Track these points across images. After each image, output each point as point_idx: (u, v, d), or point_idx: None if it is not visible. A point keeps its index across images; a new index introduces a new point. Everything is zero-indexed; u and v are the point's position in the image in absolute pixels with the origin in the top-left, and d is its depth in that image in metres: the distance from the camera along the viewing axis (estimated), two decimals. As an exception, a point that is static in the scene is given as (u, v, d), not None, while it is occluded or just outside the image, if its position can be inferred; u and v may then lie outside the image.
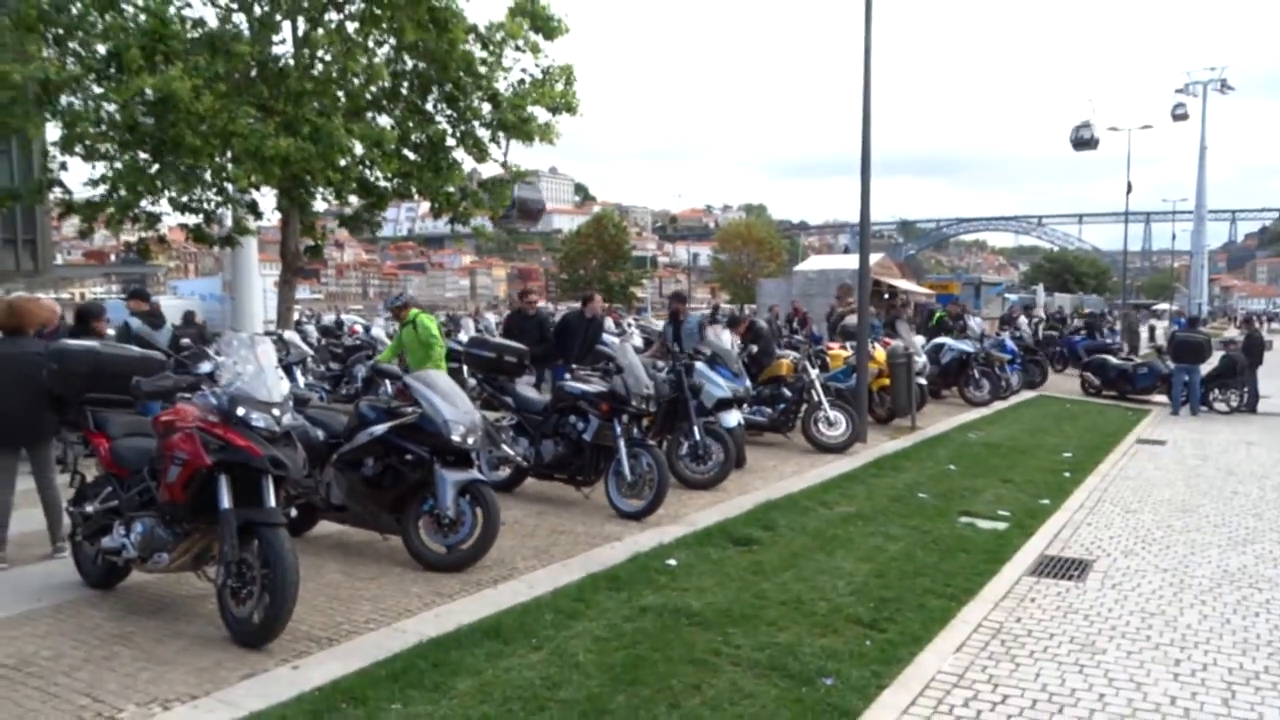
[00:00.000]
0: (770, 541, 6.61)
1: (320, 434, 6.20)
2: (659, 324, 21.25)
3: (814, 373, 11.00)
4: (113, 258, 62.03)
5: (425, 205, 17.85)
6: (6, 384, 5.71)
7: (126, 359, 5.80)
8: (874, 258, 19.85)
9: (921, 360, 13.19)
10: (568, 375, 8.45)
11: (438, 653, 4.42)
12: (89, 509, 5.25)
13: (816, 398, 10.74)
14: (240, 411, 4.66)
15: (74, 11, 13.62)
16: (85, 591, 5.31)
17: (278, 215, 17.48)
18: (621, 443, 7.26)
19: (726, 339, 10.25)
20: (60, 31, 13.61)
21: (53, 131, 14.70)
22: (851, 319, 14.10)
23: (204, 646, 4.51)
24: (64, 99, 13.48)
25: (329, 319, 25.15)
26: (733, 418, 9.12)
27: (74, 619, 4.88)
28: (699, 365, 9.29)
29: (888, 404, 12.73)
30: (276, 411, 4.77)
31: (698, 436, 8.43)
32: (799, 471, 9.38)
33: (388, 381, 8.78)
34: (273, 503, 4.68)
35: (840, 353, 13.22)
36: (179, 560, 4.81)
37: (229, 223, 16.69)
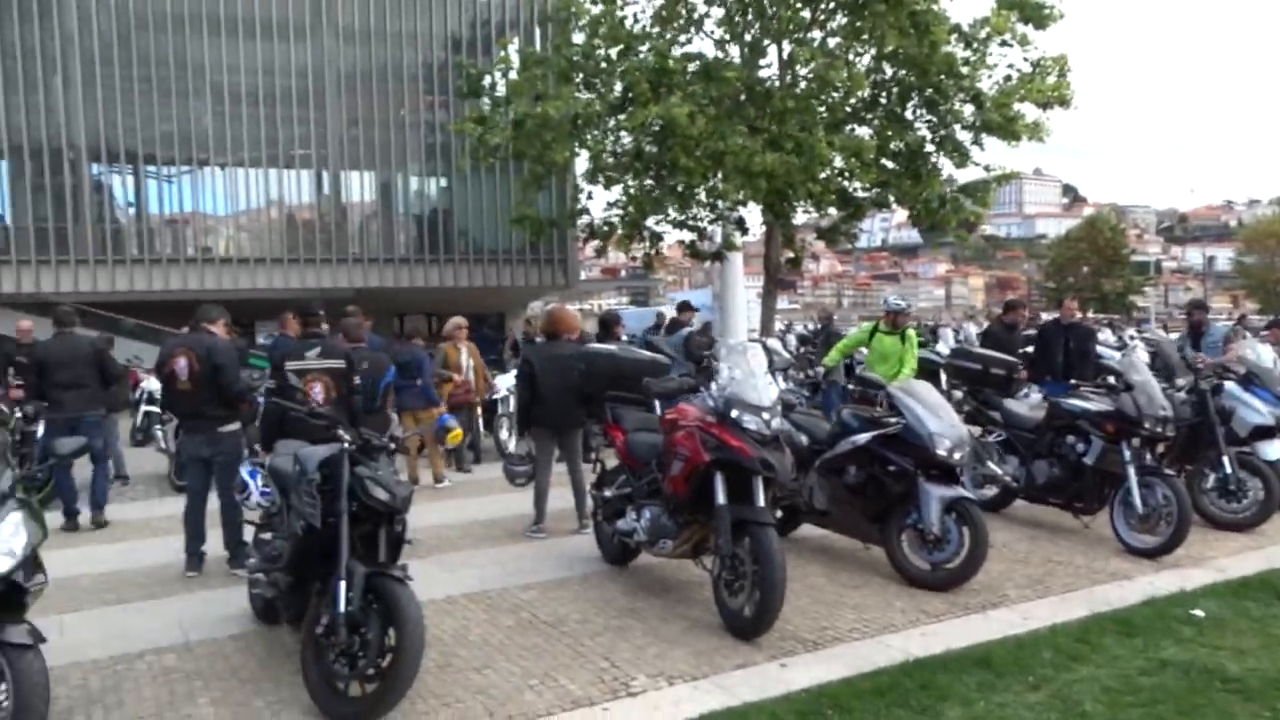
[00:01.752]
0: (1337, 604, 5.34)
1: (804, 439, 6.36)
2: (1163, 334, 18.52)
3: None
4: (622, 273, 70.73)
5: (900, 214, 17.67)
6: (549, 381, 6.72)
7: (639, 362, 6.51)
8: None
9: None
10: (1062, 391, 7.69)
11: (924, 674, 4.25)
12: (608, 494, 5.95)
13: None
14: (734, 413, 4.93)
15: (599, 56, 15.69)
16: (603, 566, 6.03)
17: (761, 230, 18.47)
18: (1131, 470, 6.39)
19: (1268, 355, 8.57)
20: (586, 76, 15.80)
21: (580, 165, 17.17)
22: None
23: (702, 631, 4.84)
24: (589, 134, 15.63)
25: (800, 328, 26.02)
26: (1275, 449, 7.60)
27: (596, 589, 5.57)
28: (1229, 385, 7.88)
29: None
30: (766, 415, 4.97)
31: (1228, 469, 7.14)
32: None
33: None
34: (762, 502, 4.88)
35: None
36: (680, 548, 5.24)
37: (719, 239, 17.98)
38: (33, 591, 3.31)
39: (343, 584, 3.70)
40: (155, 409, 11.17)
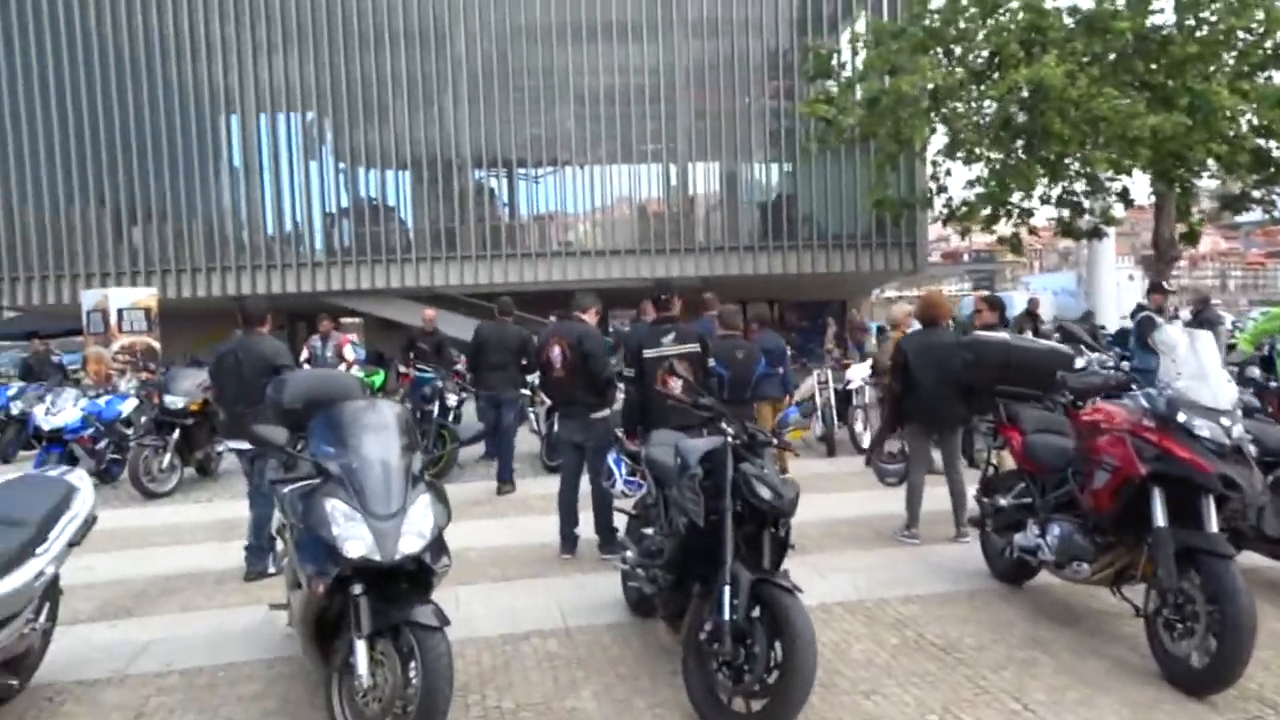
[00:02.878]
0: None
1: (1253, 449, 5.17)
2: None
3: None
4: (965, 257, 66.50)
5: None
6: (925, 372, 6.10)
7: (1036, 351, 5.68)
8: None
9: None
10: None
11: None
12: (1001, 502, 5.23)
13: None
14: (1181, 418, 4.03)
15: (960, 25, 14.48)
16: (993, 583, 5.33)
17: (1145, 203, 16.16)
18: None
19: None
20: (945, 45, 14.64)
21: (936, 141, 16.02)
22: None
23: (1130, 676, 4.03)
24: (948, 107, 14.50)
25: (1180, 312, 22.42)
26: None
27: (989, 610, 4.90)
28: None
29: None
30: (1225, 421, 4.02)
31: None
32: None
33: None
34: (1214, 527, 3.96)
35: None
36: (1100, 573, 4.42)
37: (1095, 214, 16.00)
38: (439, 573, 3.40)
39: (727, 589, 3.44)
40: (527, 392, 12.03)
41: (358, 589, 3.26)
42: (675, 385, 5.44)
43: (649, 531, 4.28)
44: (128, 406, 9.83)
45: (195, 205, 23.02)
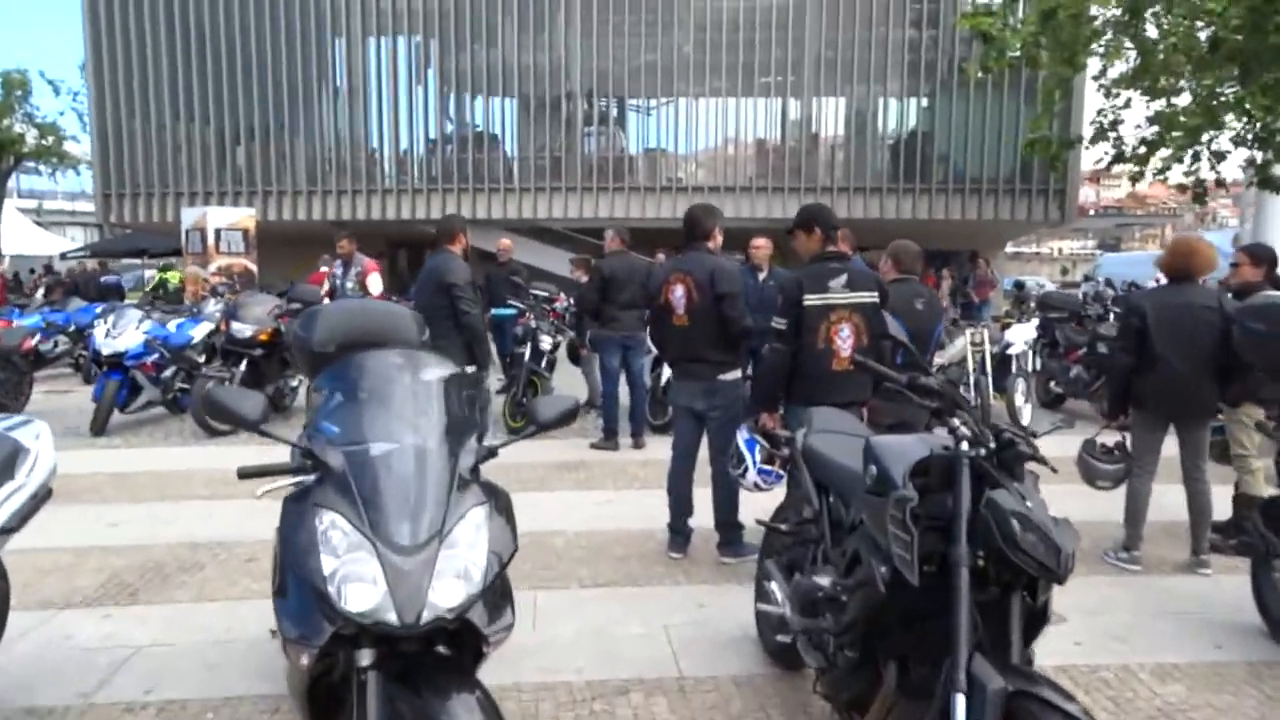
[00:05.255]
0: None
1: None
2: None
3: None
4: (1090, 212, 61.70)
5: None
6: (1170, 343, 4.52)
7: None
8: None
9: None
10: None
11: None
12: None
13: None
14: None
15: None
16: (1275, 646, 3.80)
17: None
18: None
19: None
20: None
21: (1113, 71, 13.78)
22: None
23: None
24: (1138, 26, 12.30)
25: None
26: None
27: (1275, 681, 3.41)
28: None
29: None
30: None
31: None
32: None
33: None
34: None
35: None
36: None
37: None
38: (493, 641, 2.12)
39: (962, 702, 2.07)
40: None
41: (365, 658, 2.03)
42: (844, 344, 4.02)
43: (820, 582, 2.85)
44: (200, 331, 8.91)
45: (298, 127, 22.38)
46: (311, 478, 2.22)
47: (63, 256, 28.57)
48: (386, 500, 2.07)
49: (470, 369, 5.72)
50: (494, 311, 9.75)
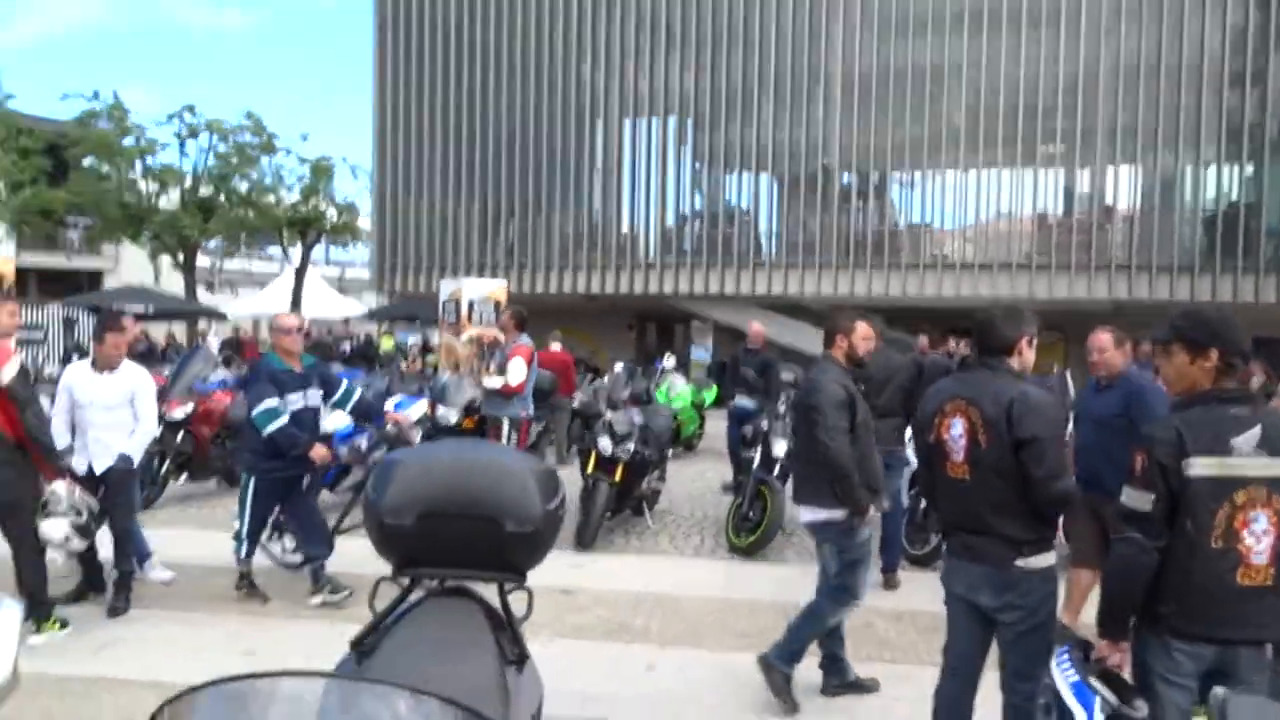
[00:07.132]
0: None
1: None
2: None
3: None
4: None
5: None
6: None
7: None
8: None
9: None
10: None
11: None
12: None
13: None
14: None
15: None
16: None
17: None
18: None
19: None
20: None
21: None
22: None
23: None
24: None
25: None
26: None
27: None
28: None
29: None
30: None
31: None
32: None
33: None
34: None
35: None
36: None
37: None
38: None
39: None
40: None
41: None
42: (1257, 546, 2.45)
43: None
44: (415, 411, 8.49)
45: (555, 204, 22.85)
46: None
47: (345, 321, 30.97)
48: None
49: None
50: (736, 402, 8.84)
